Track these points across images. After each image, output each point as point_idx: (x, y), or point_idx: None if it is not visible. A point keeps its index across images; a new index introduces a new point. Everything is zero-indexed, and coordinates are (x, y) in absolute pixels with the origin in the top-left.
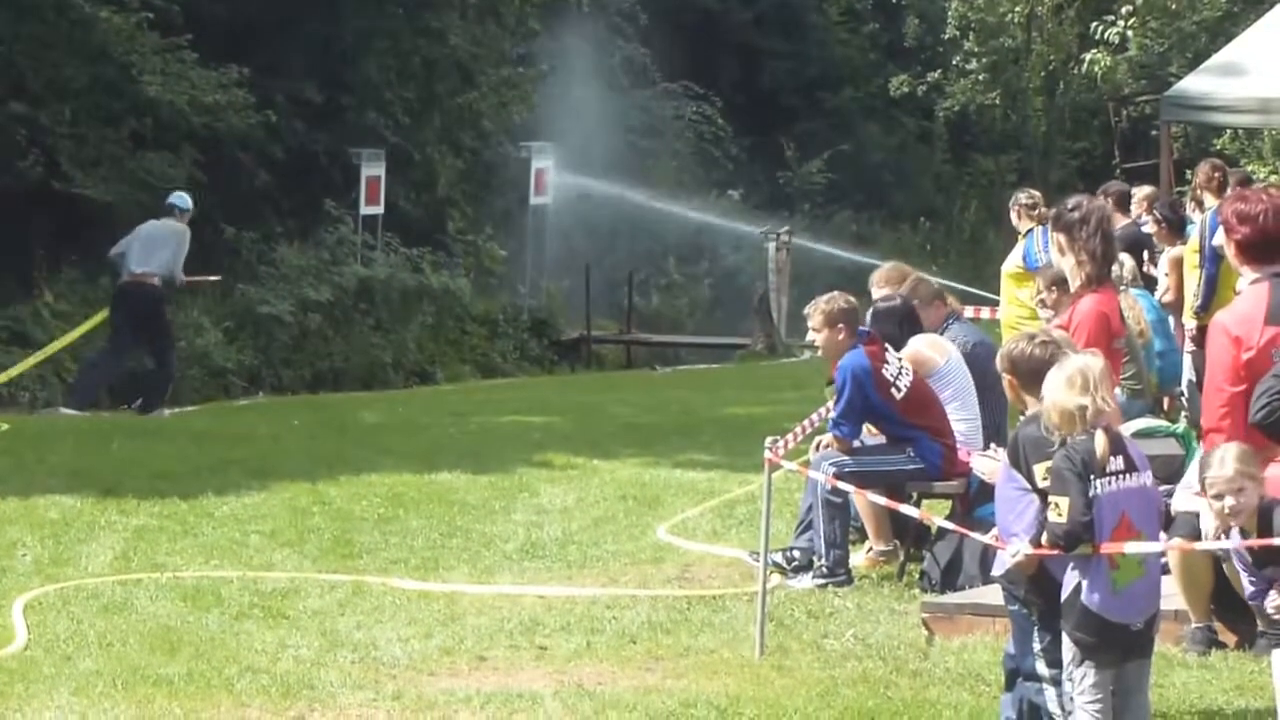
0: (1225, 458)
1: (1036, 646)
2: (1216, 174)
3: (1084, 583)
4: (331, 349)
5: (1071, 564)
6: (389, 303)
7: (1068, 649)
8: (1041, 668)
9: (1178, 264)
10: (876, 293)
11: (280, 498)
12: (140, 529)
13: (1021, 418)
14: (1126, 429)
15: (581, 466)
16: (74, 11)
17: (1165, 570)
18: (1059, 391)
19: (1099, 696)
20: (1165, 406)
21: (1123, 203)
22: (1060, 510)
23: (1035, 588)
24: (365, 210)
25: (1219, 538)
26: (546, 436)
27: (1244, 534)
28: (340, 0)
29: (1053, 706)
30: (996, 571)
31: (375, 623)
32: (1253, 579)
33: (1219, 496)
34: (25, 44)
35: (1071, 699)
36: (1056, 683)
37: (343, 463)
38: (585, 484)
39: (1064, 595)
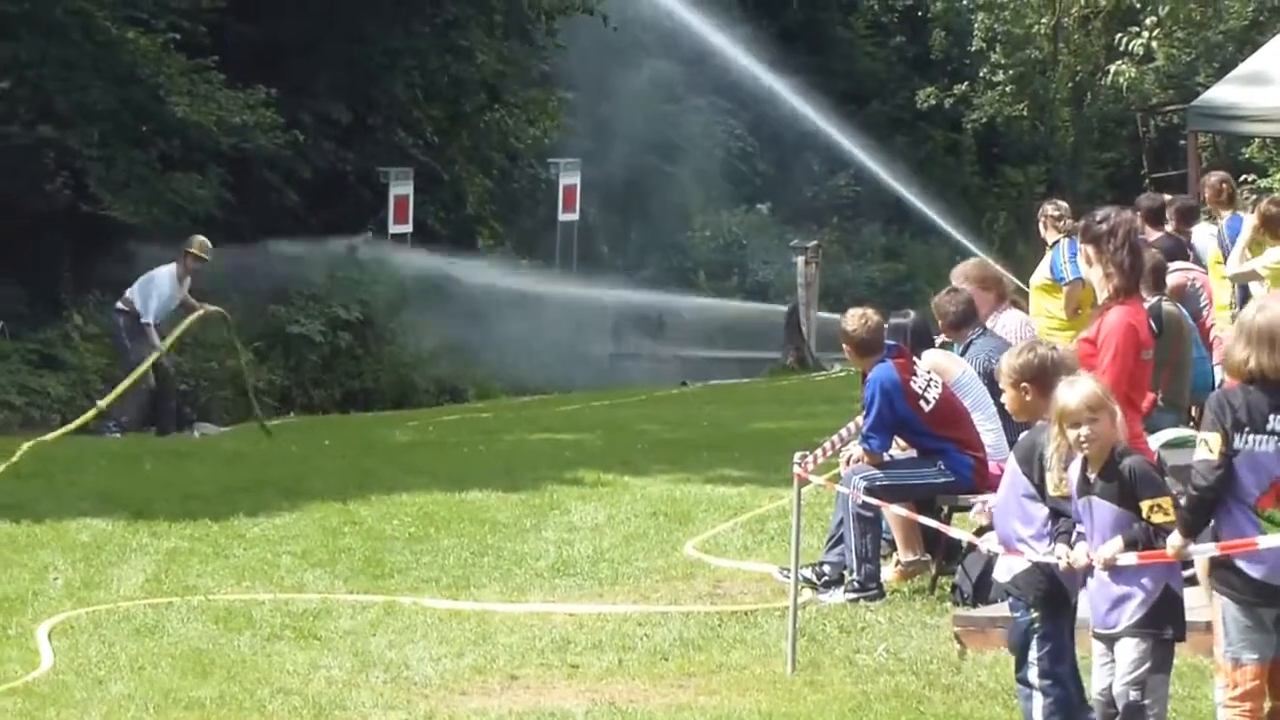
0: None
1: (1032, 655)
2: (1225, 186)
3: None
4: (362, 368)
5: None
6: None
7: (1220, 650)
8: (1033, 676)
9: None
10: (958, 284)
11: (311, 518)
12: (172, 551)
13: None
14: (1156, 440)
15: (612, 483)
16: (101, 34)
17: (1193, 581)
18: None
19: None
20: (1196, 414)
21: (1155, 216)
22: (1211, 446)
23: (1043, 595)
24: (394, 229)
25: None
26: (577, 454)
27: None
28: (367, 20)
29: (1037, 715)
30: (1001, 578)
31: (407, 642)
32: None
33: (1075, 425)
34: (53, 67)
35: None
36: (1046, 694)
37: (373, 482)
38: (616, 501)
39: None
